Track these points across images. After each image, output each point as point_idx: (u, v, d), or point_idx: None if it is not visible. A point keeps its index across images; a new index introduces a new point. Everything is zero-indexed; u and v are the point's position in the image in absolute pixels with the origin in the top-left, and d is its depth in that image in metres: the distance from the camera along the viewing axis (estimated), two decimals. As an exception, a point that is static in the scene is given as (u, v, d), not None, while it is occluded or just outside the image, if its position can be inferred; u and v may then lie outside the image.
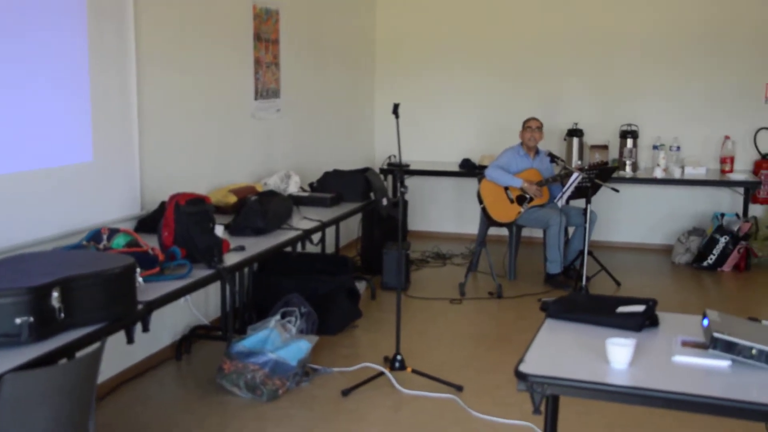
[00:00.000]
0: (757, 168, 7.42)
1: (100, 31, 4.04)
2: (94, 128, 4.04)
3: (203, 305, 5.08)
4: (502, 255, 7.09)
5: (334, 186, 5.72)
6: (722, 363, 2.36)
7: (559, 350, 2.50)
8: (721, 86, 7.57)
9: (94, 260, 2.89)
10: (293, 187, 5.59)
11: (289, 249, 4.54)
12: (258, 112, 5.78)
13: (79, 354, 2.59)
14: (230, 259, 3.86)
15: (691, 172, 7.26)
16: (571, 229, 6.81)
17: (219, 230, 4.03)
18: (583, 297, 3.02)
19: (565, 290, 6.09)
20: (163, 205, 4.39)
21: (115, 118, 4.21)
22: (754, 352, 2.32)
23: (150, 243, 3.62)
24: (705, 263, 7.06)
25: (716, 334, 2.37)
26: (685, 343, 2.54)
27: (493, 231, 7.07)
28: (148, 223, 4.34)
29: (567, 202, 6.50)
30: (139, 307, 2.99)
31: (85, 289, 2.68)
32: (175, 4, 4.75)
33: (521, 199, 6.41)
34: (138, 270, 2.98)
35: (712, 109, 7.64)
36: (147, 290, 3.20)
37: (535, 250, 7.49)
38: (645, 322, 2.74)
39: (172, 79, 4.72)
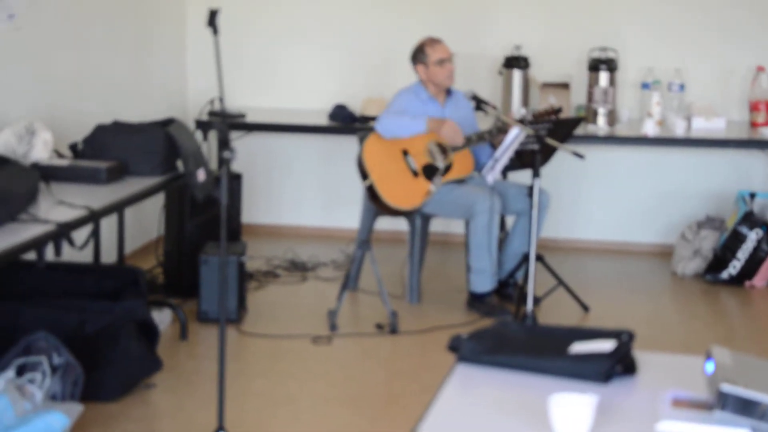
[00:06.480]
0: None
1: None
2: None
3: None
4: (399, 263, 7.15)
5: (115, 149, 5.72)
6: (734, 432, 2.45)
7: (474, 416, 2.51)
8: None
9: None
10: (40, 151, 5.54)
11: (31, 257, 4.47)
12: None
13: None
14: None
15: (702, 126, 7.48)
16: (509, 220, 6.88)
17: None
18: (518, 329, 3.03)
19: (498, 319, 6.15)
20: None
21: None
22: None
23: None
24: (724, 274, 7.30)
25: (726, 387, 2.42)
26: (677, 402, 2.60)
27: (384, 224, 7.10)
28: None
29: (503, 175, 6.55)
30: None
31: None
32: None
33: (430, 171, 6.46)
34: None
35: (735, 25, 7.88)
36: None
37: (453, 254, 7.57)
38: (614, 367, 2.78)
39: None
